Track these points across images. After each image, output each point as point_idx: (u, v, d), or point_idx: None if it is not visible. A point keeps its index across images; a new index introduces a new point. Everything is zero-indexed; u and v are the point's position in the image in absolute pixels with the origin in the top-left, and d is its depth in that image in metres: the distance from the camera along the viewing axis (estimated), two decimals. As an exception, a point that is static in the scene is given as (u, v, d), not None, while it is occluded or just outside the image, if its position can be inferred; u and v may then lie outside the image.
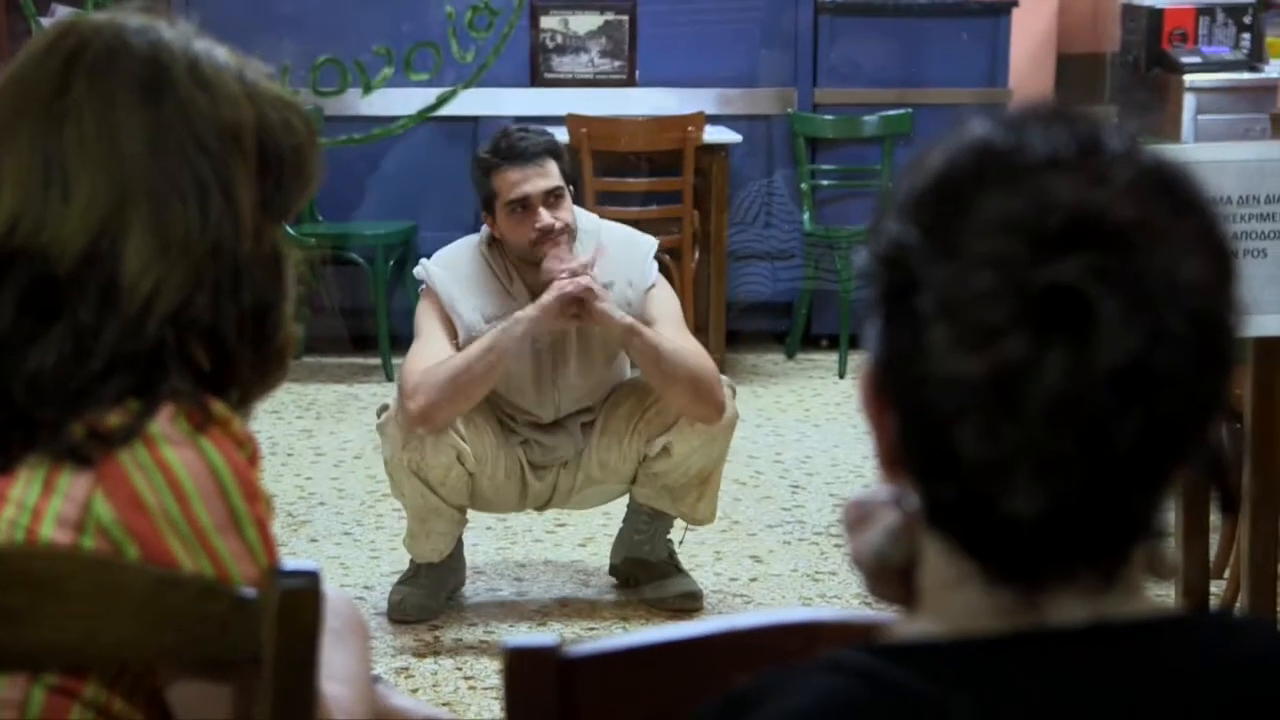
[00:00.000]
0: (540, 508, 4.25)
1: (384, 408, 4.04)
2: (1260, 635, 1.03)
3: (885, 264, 0.99)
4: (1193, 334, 0.95)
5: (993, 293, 0.93)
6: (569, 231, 3.96)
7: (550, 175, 3.94)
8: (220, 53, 1.58)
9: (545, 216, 3.90)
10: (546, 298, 3.85)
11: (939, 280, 0.95)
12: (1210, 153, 3.06)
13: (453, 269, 4.04)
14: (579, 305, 3.86)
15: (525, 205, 3.91)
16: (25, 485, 1.47)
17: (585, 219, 4.12)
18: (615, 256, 4.04)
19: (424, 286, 4.06)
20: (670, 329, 4.01)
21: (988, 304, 0.94)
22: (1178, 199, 0.98)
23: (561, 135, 4.82)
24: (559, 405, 4.11)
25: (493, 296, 4.01)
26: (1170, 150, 1.09)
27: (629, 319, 3.91)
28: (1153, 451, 0.96)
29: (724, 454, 4.11)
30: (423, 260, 4.10)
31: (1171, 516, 1.03)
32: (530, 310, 3.88)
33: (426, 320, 4.02)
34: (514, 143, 3.95)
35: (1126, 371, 0.93)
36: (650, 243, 4.17)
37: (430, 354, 3.93)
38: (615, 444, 4.09)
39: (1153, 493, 0.99)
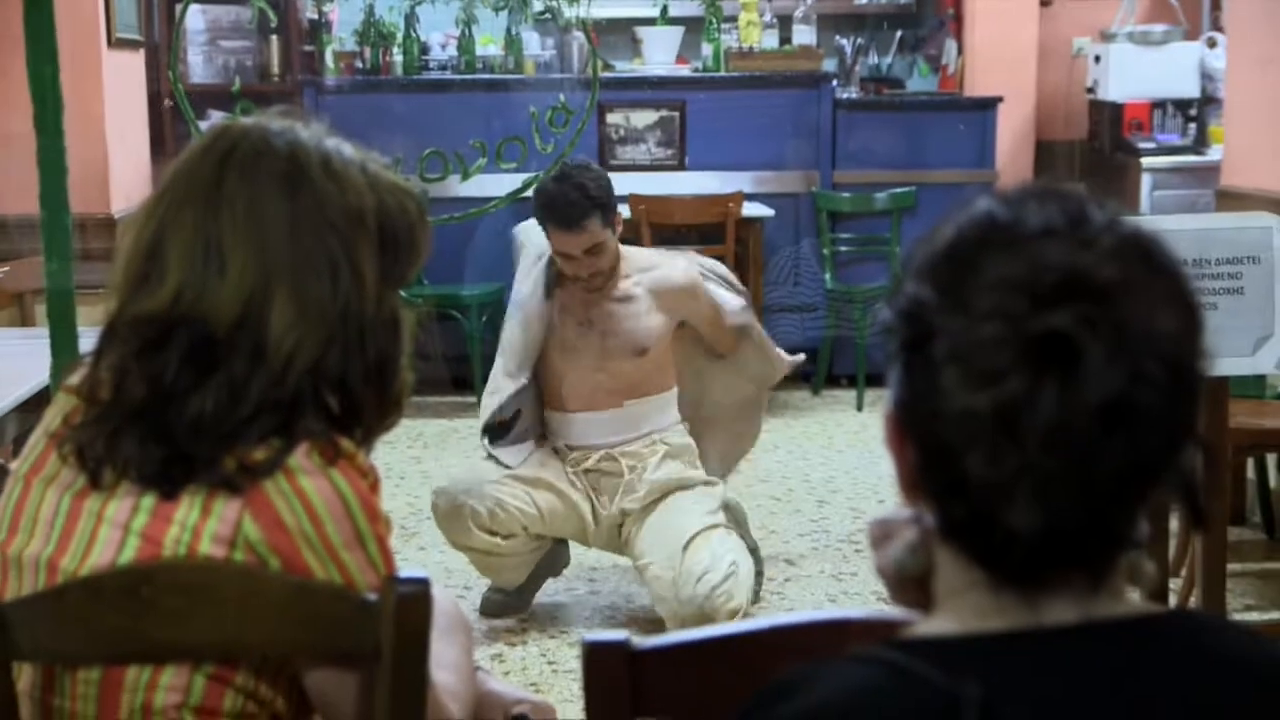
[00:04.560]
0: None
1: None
2: (1226, 632, 1.02)
3: (905, 318, 0.99)
4: (1166, 375, 0.93)
5: (997, 340, 0.93)
6: (604, 275, 3.78)
7: (590, 233, 3.68)
8: (347, 148, 1.58)
9: (585, 269, 3.73)
10: None
11: (951, 330, 0.94)
12: (1169, 223, 3.05)
13: (538, 245, 3.81)
14: None
15: (569, 257, 3.74)
16: (187, 509, 1.47)
17: (637, 260, 3.88)
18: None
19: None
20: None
21: (993, 349, 0.93)
22: (1153, 262, 0.97)
23: (625, 212, 4.77)
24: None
25: (533, 291, 3.82)
26: (1141, 220, 1.08)
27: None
28: (1133, 474, 0.95)
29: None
30: (527, 225, 3.81)
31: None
32: None
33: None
34: (560, 209, 3.66)
35: (1111, 406, 0.92)
36: (689, 264, 3.92)
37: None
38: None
39: (1133, 509, 0.97)
